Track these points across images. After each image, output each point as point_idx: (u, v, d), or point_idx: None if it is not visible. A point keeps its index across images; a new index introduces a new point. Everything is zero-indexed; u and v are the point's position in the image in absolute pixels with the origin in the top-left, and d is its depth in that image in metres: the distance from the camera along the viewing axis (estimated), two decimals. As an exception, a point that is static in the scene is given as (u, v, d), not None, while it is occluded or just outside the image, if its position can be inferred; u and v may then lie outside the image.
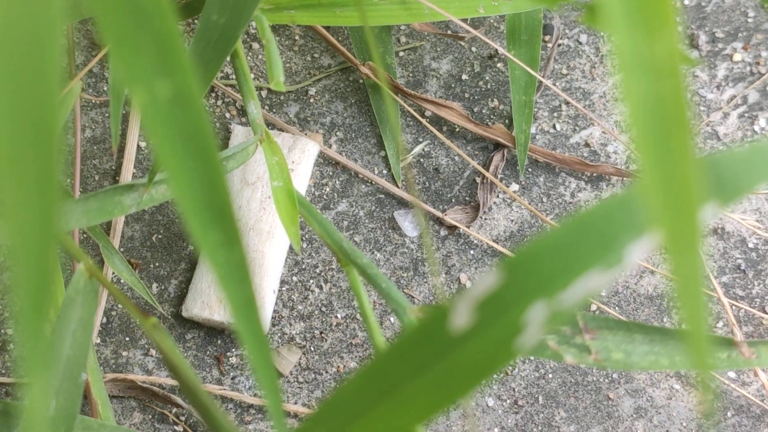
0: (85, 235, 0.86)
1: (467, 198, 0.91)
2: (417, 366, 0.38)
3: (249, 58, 0.93)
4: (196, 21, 0.94)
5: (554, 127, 0.93)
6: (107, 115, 0.91)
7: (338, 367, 0.86)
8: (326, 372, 0.86)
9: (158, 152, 0.35)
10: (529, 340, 0.37)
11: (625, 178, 0.91)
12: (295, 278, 0.88)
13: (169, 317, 0.86)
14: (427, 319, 0.38)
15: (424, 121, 0.92)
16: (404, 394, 0.39)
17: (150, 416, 0.84)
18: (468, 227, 0.89)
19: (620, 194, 0.36)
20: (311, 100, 0.93)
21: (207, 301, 0.84)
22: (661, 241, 0.29)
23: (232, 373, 0.86)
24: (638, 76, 0.27)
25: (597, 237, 0.37)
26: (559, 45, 0.95)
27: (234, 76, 0.91)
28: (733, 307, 0.88)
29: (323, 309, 0.87)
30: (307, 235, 0.88)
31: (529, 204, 0.90)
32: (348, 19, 0.82)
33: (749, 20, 0.96)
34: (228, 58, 0.65)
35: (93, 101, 0.91)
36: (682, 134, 0.28)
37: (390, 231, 0.89)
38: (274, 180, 0.76)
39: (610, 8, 0.28)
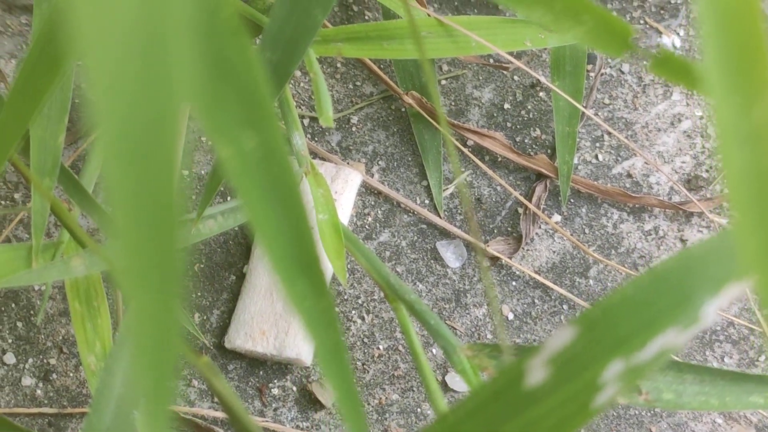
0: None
1: (509, 229, 0.90)
2: (491, 422, 0.38)
3: (291, 85, 0.93)
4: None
5: (596, 157, 0.92)
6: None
7: (380, 399, 0.86)
8: (368, 404, 0.86)
9: (245, 204, 0.35)
10: (606, 398, 0.37)
11: (667, 210, 0.90)
12: (337, 309, 0.87)
13: (211, 348, 0.86)
14: (501, 373, 0.37)
15: (466, 150, 0.91)
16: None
17: (191, 447, 0.84)
18: (510, 258, 0.89)
19: (695, 249, 0.36)
20: (353, 129, 0.92)
21: (250, 333, 0.83)
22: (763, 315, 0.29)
23: (274, 405, 0.85)
24: (736, 142, 0.27)
25: (673, 294, 0.36)
26: (601, 74, 0.94)
27: (276, 105, 0.91)
28: (778, 340, 0.87)
29: (365, 340, 0.87)
30: (348, 266, 0.88)
31: (572, 235, 0.90)
32: (395, 52, 0.81)
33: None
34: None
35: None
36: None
37: (432, 261, 0.89)
38: (319, 213, 0.76)
39: (708, 72, 0.28)
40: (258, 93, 0.33)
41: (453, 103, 0.94)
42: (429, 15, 0.84)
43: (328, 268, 0.85)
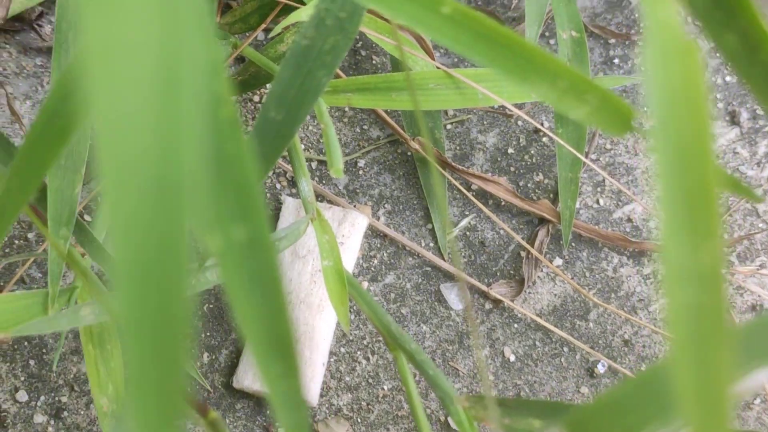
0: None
1: (512, 272, 0.92)
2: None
3: (300, 130, 0.95)
4: (251, 95, 0.96)
5: (597, 202, 0.94)
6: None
7: (384, 438, 0.88)
8: (372, 443, 0.88)
9: (230, 292, 0.36)
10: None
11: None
12: (342, 349, 0.89)
13: (220, 387, 0.88)
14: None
15: (470, 195, 0.94)
16: None
17: (199, 483, 0.86)
18: (512, 301, 0.91)
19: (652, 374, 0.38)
20: (360, 172, 0.95)
21: (258, 373, 0.86)
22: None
23: (280, 443, 0.87)
24: (682, 283, 0.29)
25: (653, 402, 0.38)
26: (603, 121, 0.96)
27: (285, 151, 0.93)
28: (773, 384, 0.89)
29: (370, 380, 0.89)
30: (354, 307, 0.90)
31: (572, 278, 0.92)
32: (403, 104, 0.84)
33: (792, 99, 0.97)
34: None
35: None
36: (719, 344, 0.29)
37: (436, 303, 0.91)
38: (324, 259, 0.78)
39: (664, 216, 0.29)
40: (250, 189, 0.35)
41: (458, 148, 0.96)
42: (438, 67, 0.86)
43: (332, 313, 0.87)
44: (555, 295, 0.92)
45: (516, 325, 0.91)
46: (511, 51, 0.46)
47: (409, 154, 0.95)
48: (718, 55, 0.90)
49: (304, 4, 0.87)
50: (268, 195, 0.93)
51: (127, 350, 0.28)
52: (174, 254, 0.27)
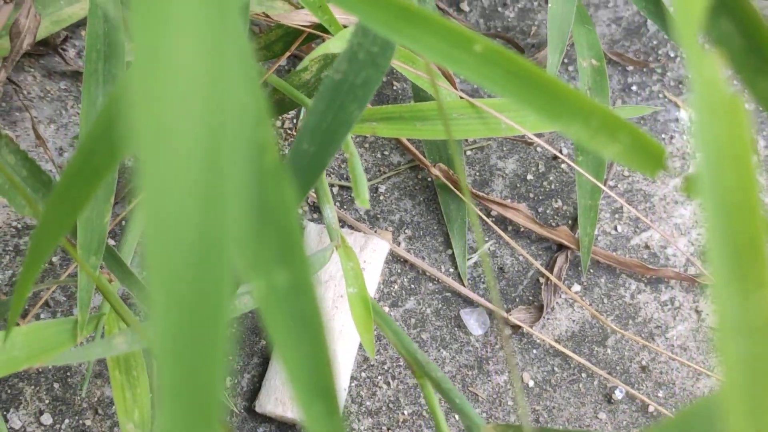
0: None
1: (531, 298, 0.93)
2: None
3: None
4: (274, 121, 0.97)
5: (615, 228, 0.95)
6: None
7: (404, 462, 0.89)
8: (392, 467, 0.89)
9: (274, 336, 0.37)
10: None
11: (683, 282, 0.93)
12: (363, 374, 0.90)
13: (242, 411, 0.89)
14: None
15: (489, 221, 0.95)
16: None
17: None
18: (531, 327, 0.92)
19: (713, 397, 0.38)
20: (381, 198, 0.96)
21: (280, 398, 0.87)
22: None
23: (301, 467, 0.88)
24: (734, 334, 0.29)
25: None
26: (622, 148, 0.97)
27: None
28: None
29: (390, 405, 0.90)
30: (375, 331, 0.91)
31: (590, 305, 0.93)
32: (428, 133, 0.85)
33: (808, 128, 0.98)
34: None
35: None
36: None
37: (456, 329, 0.92)
38: (349, 286, 0.79)
39: (713, 266, 0.30)
40: (293, 234, 0.36)
41: (478, 174, 0.97)
42: (461, 97, 0.87)
43: (354, 335, 0.88)
44: (573, 321, 0.93)
45: (535, 351, 0.92)
46: (543, 90, 0.46)
47: (429, 180, 0.96)
48: (733, 82, 0.91)
49: (328, 32, 0.88)
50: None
51: (163, 385, 0.28)
52: (216, 303, 0.28)
